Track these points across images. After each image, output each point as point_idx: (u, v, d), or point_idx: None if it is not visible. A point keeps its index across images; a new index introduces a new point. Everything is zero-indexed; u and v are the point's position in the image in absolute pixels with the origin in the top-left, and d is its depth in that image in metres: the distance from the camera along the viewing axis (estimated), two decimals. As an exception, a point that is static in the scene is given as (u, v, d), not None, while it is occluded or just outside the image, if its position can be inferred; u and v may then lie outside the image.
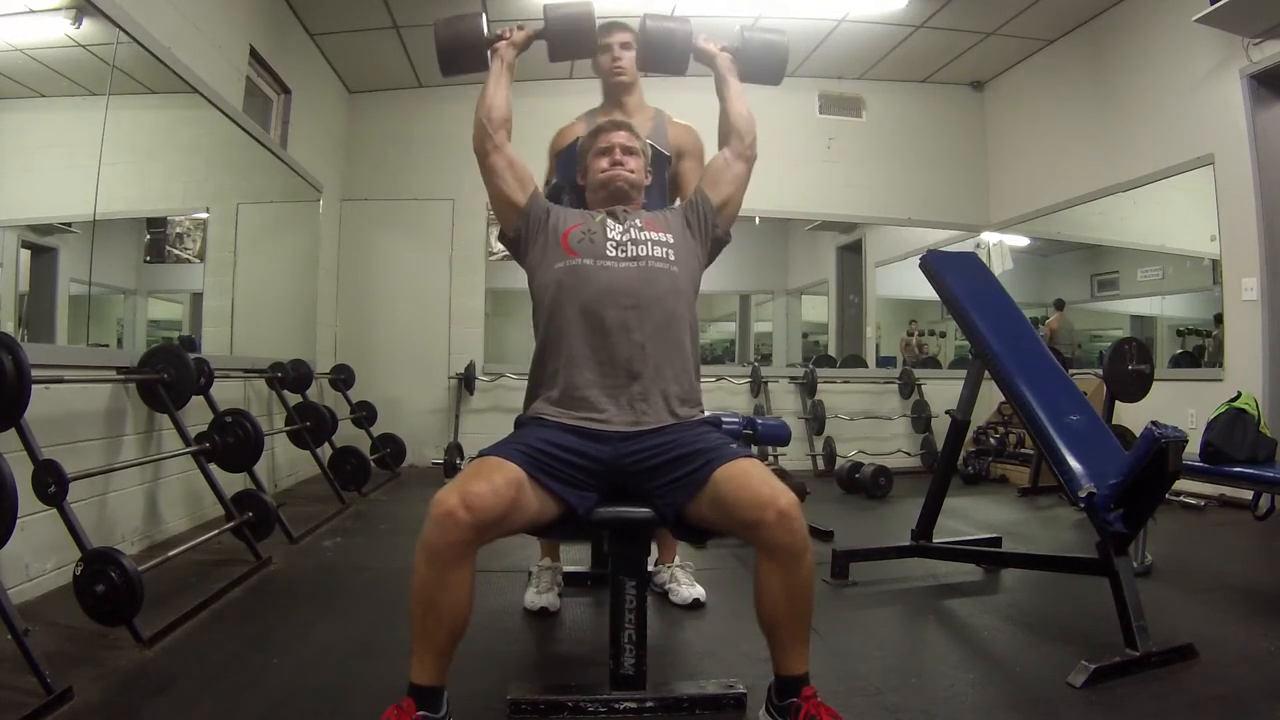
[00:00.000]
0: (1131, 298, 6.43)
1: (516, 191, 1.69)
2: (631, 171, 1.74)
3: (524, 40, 1.77)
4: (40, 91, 2.65)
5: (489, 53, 1.75)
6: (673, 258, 1.64)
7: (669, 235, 1.67)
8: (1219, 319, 4.15)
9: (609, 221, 1.67)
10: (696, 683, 1.57)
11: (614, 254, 1.61)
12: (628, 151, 1.75)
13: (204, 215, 3.66)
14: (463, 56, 1.75)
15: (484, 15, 1.75)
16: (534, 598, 2.12)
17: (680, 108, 2.33)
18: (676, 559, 2.26)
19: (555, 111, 2.55)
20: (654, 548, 2.22)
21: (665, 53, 1.83)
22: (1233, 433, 2.35)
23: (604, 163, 1.75)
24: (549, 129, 2.36)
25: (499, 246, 2.00)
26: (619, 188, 1.73)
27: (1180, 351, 5.61)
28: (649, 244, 1.63)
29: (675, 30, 1.82)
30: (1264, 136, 3.66)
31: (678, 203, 1.91)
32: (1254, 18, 3.48)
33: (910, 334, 6.97)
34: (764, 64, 1.85)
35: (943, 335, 7.14)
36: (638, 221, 1.68)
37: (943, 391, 5.34)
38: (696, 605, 2.13)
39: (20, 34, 2.51)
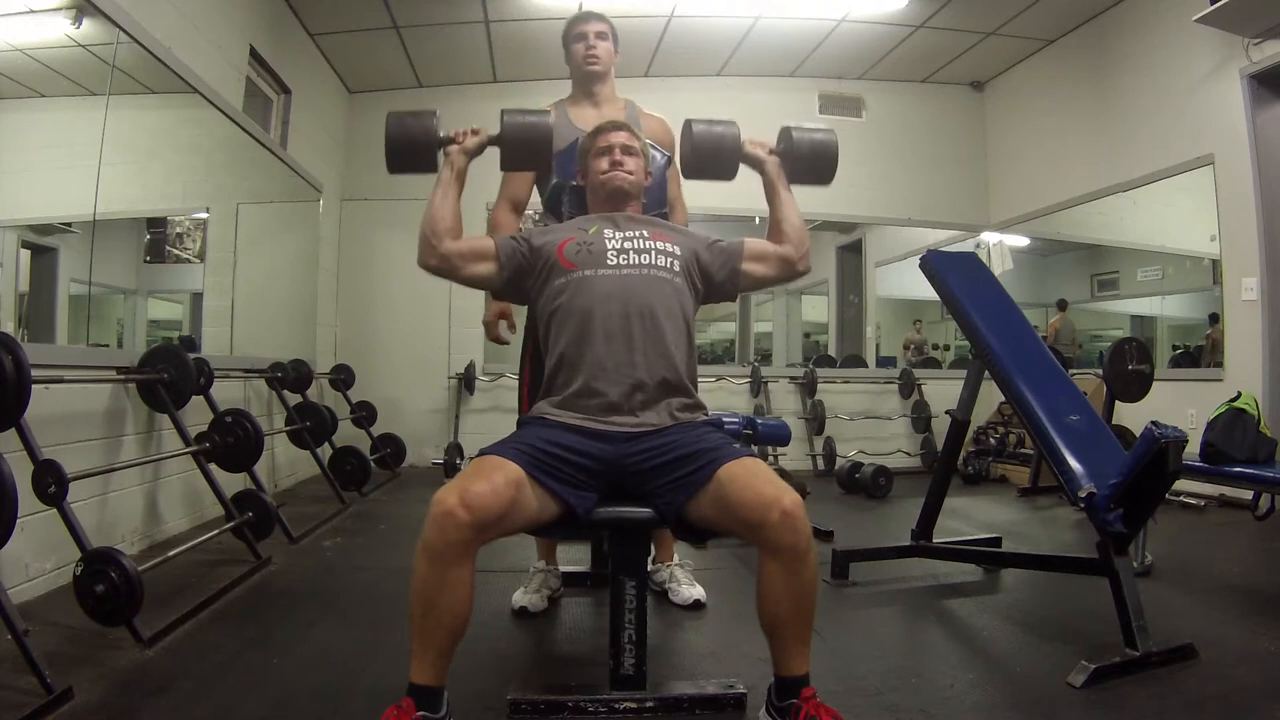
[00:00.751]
0: (1131, 298, 6.44)
1: (484, 266, 1.66)
2: (631, 172, 1.74)
3: (476, 146, 1.69)
4: (40, 91, 2.65)
5: (440, 154, 1.68)
6: (676, 268, 1.64)
7: (675, 247, 1.67)
8: (1214, 318, 4.16)
9: (606, 230, 1.67)
10: (696, 683, 1.56)
11: (615, 261, 1.61)
12: (627, 152, 1.75)
13: (204, 215, 3.67)
14: (412, 156, 1.67)
15: (437, 115, 1.68)
16: (518, 596, 2.12)
17: (651, 108, 2.32)
18: (675, 558, 2.26)
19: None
20: (651, 547, 2.22)
21: (715, 158, 1.75)
22: (1233, 433, 2.35)
23: (603, 163, 1.74)
24: None
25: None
26: (619, 188, 1.73)
27: (1181, 351, 5.62)
28: (653, 252, 1.63)
29: (723, 135, 1.74)
30: (1264, 136, 3.66)
31: (704, 235, 1.88)
32: (1254, 18, 3.48)
33: (908, 345, 6.98)
34: (814, 165, 1.76)
35: (947, 348, 7.14)
36: (645, 231, 1.67)
37: (943, 391, 5.35)
38: (697, 605, 2.12)
39: (20, 34, 2.51)
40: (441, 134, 1.68)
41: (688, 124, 1.78)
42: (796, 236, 1.73)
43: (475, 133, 1.70)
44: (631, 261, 1.61)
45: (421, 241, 1.64)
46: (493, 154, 1.74)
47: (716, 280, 1.71)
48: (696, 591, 2.15)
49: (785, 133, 1.78)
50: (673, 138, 2.19)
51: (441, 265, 1.64)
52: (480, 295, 5.25)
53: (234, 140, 3.52)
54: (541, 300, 1.67)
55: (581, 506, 1.45)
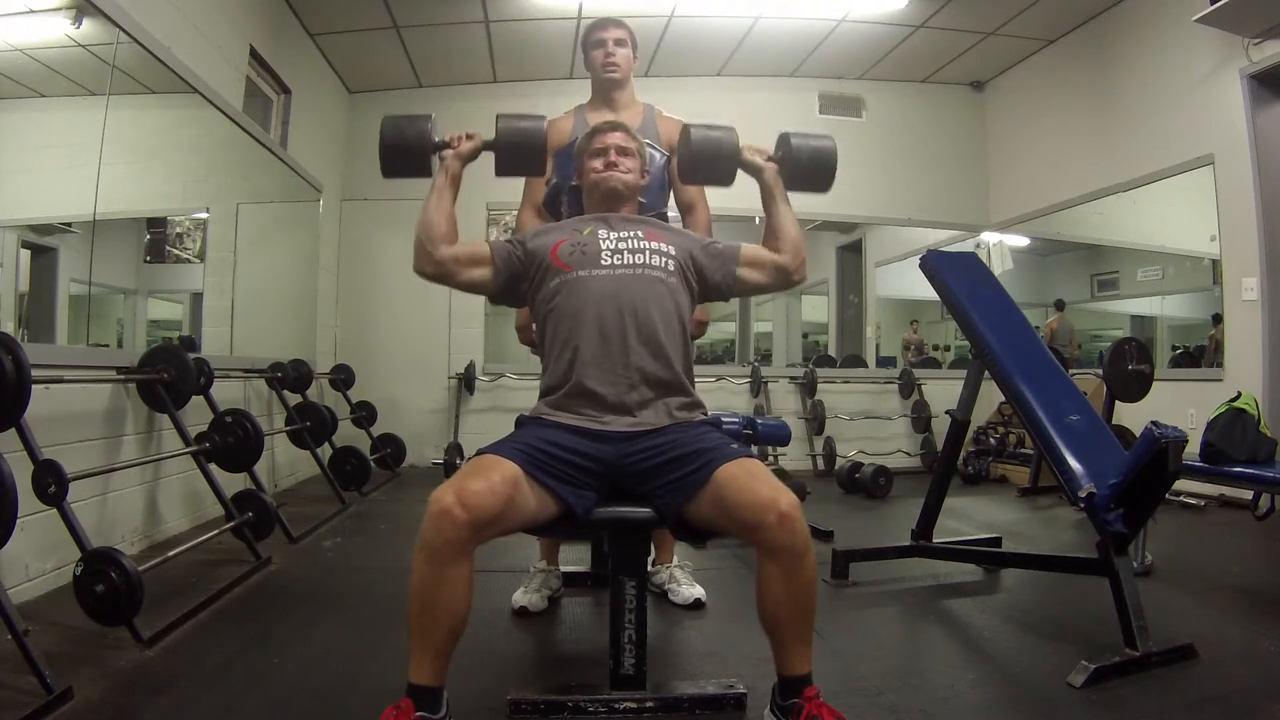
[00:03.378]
0: (1131, 298, 6.44)
1: (479, 271, 1.65)
2: (627, 172, 1.74)
3: (470, 151, 1.69)
4: (40, 91, 2.65)
5: (435, 159, 1.68)
6: (671, 268, 1.64)
7: (670, 247, 1.67)
8: (1217, 318, 4.15)
9: (600, 230, 1.67)
10: (696, 683, 1.56)
11: (609, 261, 1.61)
12: (623, 152, 1.75)
13: (204, 215, 3.66)
14: (406, 160, 1.67)
15: (432, 120, 1.68)
16: (518, 596, 2.12)
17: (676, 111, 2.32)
18: (675, 559, 2.26)
19: (555, 112, 2.54)
20: (651, 548, 2.21)
21: (712, 164, 1.74)
22: (1233, 433, 2.35)
23: (599, 164, 1.74)
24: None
25: None
26: (614, 189, 1.73)
27: (1181, 351, 5.62)
28: (647, 252, 1.63)
29: (722, 140, 1.73)
30: (1264, 136, 3.66)
31: (699, 235, 1.87)
32: (1254, 18, 3.48)
33: (908, 345, 6.98)
34: (812, 172, 1.75)
35: (947, 349, 7.15)
36: (639, 232, 1.67)
37: (943, 391, 5.35)
38: (698, 605, 2.12)
39: (20, 34, 2.51)
40: (436, 139, 1.68)
41: (685, 129, 1.77)
42: (793, 246, 1.71)
43: (470, 138, 1.70)
44: (626, 261, 1.61)
45: (417, 248, 1.63)
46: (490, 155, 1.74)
47: (712, 282, 1.71)
48: (696, 591, 2.15)
49: (784, 139, 1.77)
50: None
51: (438, 272, 1.63)
52: (480, 296, 5.27)
53: (234, 140, 3.52)
54: (537, 301, 1.67)
55: (580, 506, 1.45)
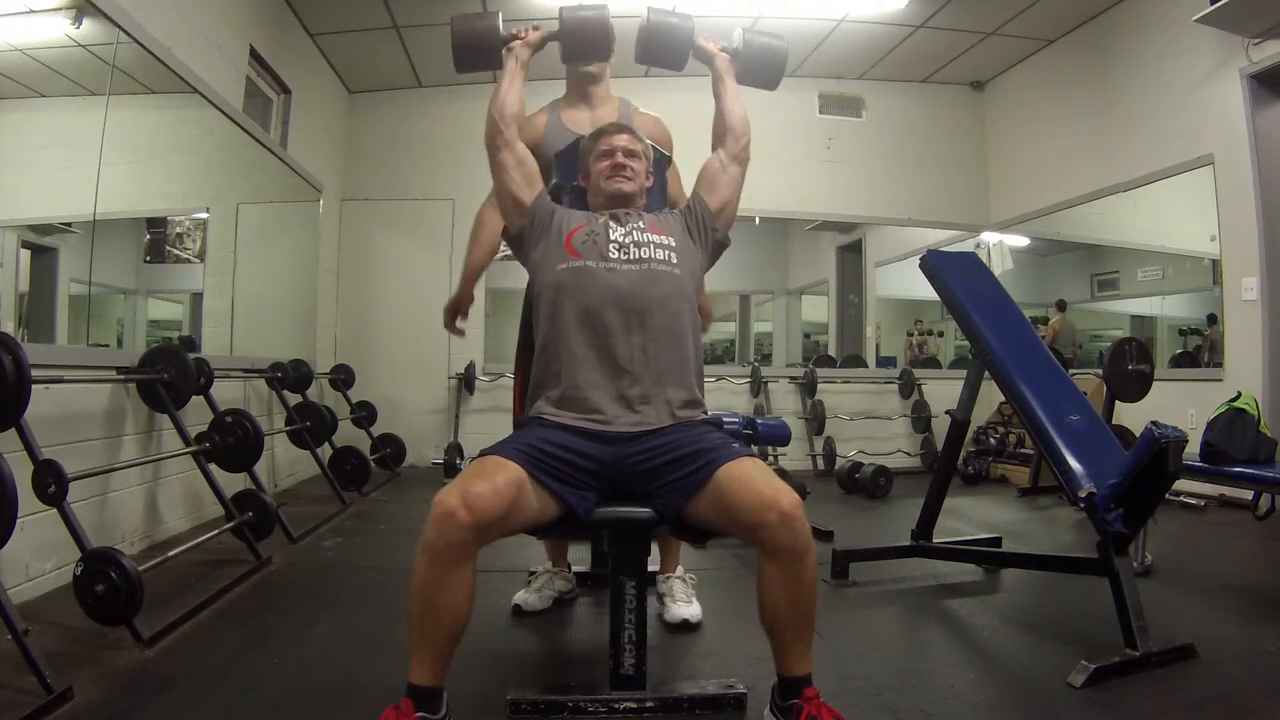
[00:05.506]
0: (1131, 298, 6.44)
1: (523, 189, 1.68)
2: (633, 175, 1.74)
3: (539, 40, 1.79)
4: (40, 91, 2.65)
5: (504, 52, 1.77)
6: (675, 260, 1.64)
7: (671, 239, 1.67)
8: (1213, 318, 4.15)
9: (611, 224, 1.67)
10: (696, 683, 1.56)
11: (616, 256, 1.61)
12: (630, 155, 1.75)
13: (204, 215, 3.66)
14: (478, 54, 1.78)
15: (499, 15, 1.78)
16: (519, 596, 2.11)
17: (650, 108, 2.32)
18: (679, 569, 2.14)
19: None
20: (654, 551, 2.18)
21: (666, 47, 1.84)
22: (1233, 433, 2.35)
23: (606, 166, 1.74)
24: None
25: (500, 246, 2.00)
26: (620, 190, 1.73)
27: (1180, 351, 5.61)
28: (651, 246, 1.63)
29: (677, 26, 1.83)
30: (1264, 136, 3.66)
31: (674, 208, 1.90)
32: (1254, 18, 3.48)
33: (911, 334, 6.98)
34: (763, 67, 1.86)
35: (940, 335, 7.15)
36: (641, 224, 1.67)
37: (943, 391, 5.35)
38: (685, 626, 1.96)
39: (20, 34, 2.51)
40: (503, 33, 1.77)
41: (647, 11, 1.84)
42: (738, 125, 1.78)
43: (536, 28, 1.80)
44: (632, 256, 1.61)
45: (489, 121, 1.69)
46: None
47: (713, 237, 1.75)
48: (687, 611, 2.00)
49: (739, 34, 1.87)
50: (669, 136, 2.20)
51: (503, 155, 1.67)
52: (480, 295, 5.27)
53: (234, 140, 3.52)
54: (540, 277, 1.66)
55: (581, 506, 1.45)
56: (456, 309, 2.27)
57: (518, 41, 1.77)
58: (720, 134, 1.80)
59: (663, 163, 2.12)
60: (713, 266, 1.79)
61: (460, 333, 2.31)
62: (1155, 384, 2.93)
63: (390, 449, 4.68)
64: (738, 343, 7.71)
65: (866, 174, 5.56)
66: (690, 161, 2.32)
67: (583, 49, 1.85)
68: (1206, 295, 4.87)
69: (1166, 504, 3.45)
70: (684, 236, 1.70)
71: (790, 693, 1.33)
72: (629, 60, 2.26)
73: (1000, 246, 5.68)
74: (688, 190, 2.25)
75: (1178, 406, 3.71)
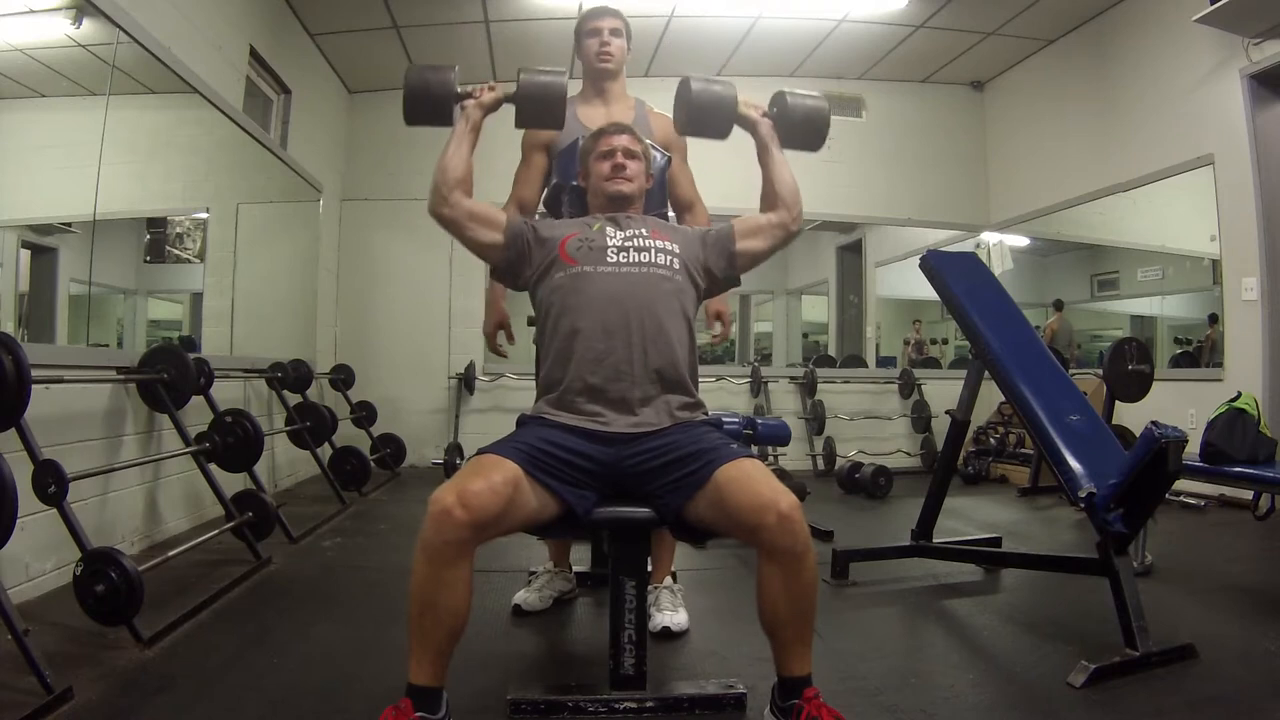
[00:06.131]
0: (1131, 298, 6.44)
1: (488, 231, 1.66)
2: (633, 176, 1.74)
3: (493, 102, 1.71)
4: (40, 91, 2.65)
5: (457, 109, 1.70)
6: (676, 265, 1.64)
7: (675, 246, 1.67)
8: (1214, 319, 4.15)
9: (608, 228, 1.67)
10: (696, 683, 1.56)
11: (615, 259, 1.61)
12: (630, 155, 1.75)
13: (204, 215, 3.66)
14: (429, 108, 1.70)
15: (455, 70, 1.71)
16: (519, 595, 2.11)
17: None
18: (667, 580, 2.06)
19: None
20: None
21: (711, 117, 1.76)
22: (1233, 433, 2.35)
23: (605, 167, 1.74)
24: None
25: None
26: (620, 192, 1.72)
27: (1180, 352, 5.62)
28: (653, 250, 1.63)
29: (721, 95, 1.76)
30: (1264, 136, 3.65)
31: (696, 227, 1.86)
32: (1254, 18, 3.48)
33: (908, 342, 6.99)
34: (807, 130, 1.79)
35: (945, 342, 7.16)
36: (644, 229, 1.67)
37: (943, 391, 5.34)
38: (666, 634, 1.89)
39: (20, 34, 2.51)
40: (459, 89, 1.71)
41: (685, 81, 1.79)
42: (791, 196, 1.73)
43: (492, 89, 1.73)
44: (632, 259, 1.61)
45: (433, 189, 1.64)
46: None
47: (717, 273, 1.72)
48: (667, 619, 1.93)
49: (779, 97, 1.81)
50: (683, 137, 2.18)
51: (451, 215, 1.63)
52: (480, 295, 5.27)
53: (234, 140, 3.52)
54: (541, 292, 1.66)
55: (580, 506, 1.45)
56: (497, 328, 2.24)
57: (471, 101, 1.69)
58: (770, 202, 1.74)
59: (662, 163, 2.12)
60: (708, 297, 1.77)
61: (503, 354, 2.31)
62: (1155, 384, 2.93)
63: (390, 449, 4.68)
64: (738, 343, 7.71)
65: (866, 174, 5.55)
66: (702, 161, 2.33)
67: (536, 114, 1.75)
68: (1206, 295, 4.87)
69: (1166, 504, 3.45)
70: (692, 251, 1.69)
71: (790, 693, 1.33)
72: (629, 60, 2.26)
73: (1000, 246, 5.68)
74: (700, 190, 2.26)
75: (1178, 406, 3.71)
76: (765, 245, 1.73)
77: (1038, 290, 6.88)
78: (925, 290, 2.55)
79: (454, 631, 1.31)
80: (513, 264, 1.68)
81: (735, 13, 4.61)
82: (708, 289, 1.73)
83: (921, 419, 5.33)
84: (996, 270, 5.25)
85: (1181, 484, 3.01)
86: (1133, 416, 3.31)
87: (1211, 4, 3.46)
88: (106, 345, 3.13)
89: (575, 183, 1.95)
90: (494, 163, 2.41)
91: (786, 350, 7.92)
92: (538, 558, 2.32)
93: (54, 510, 1.81)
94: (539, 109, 1.74)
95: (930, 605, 2.26)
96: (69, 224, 2.78)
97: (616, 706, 1.46)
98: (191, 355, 2.68)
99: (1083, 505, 1.84)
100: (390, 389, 5.10)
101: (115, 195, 2.69)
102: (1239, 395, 2.48)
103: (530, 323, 1.76)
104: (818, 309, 7.72)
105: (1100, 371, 3.29)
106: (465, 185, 1.64)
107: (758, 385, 5.30)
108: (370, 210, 5.33)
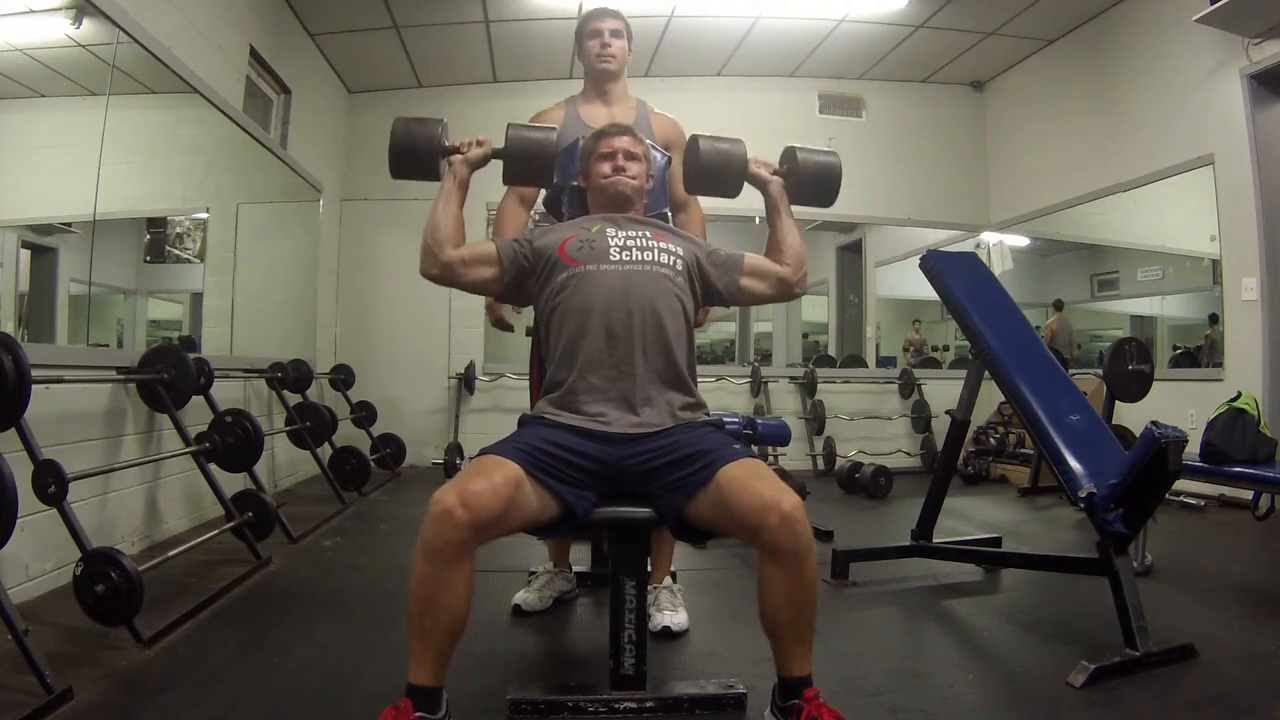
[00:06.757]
0: (1131, 298, 6.44)
1: (485, 271, 1.66)
2: (634, 177, 1.74)
3: (479, 158, 1.69)
4: (40, 91, 2.65)
5: (443, 164, 1.68)
6: (679, 267, 1.64)
7: (678, 248, 1.67)
8: (1214, 318, 4.15)
9: (609, 229, 1.67)
10: (696, 683, 1.56)
11: (617, 258, 1.61)
12: (630, 157, 1.75)
13: (204, 215, 3.66)
14: (415, 162, 1.67)
15: (444, 124, 1.69)
16: (519, 595, 2.11)
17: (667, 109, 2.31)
18: (667, 580, 2.06)
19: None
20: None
21: (721, 176, 1.75)
22: (1233, 433, 2.35)
23: (606, 168, 1.74)
24: None
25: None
26: (621, 193, 1.72)
27: (1180, 352, 5.61)
28: (655, 250, 1.63)
29: (730, 154, 1.74)
30: (1264, 136, 3.66)
31: (705, 243, 1.86)
32: (1254, 18, 3.48)
33: (908, 348, 6.99)
34: (817, 186, 1.77)
35: (946, 349, 7.16)
36: (647, 232, 1.67)
37: (943, 391, 5.35)
38: (666, 633, 1.90)
39: (20, 34, 2.51)
40: (446, 143, 1.68)
41: (694, 140, 1.77)
42: (796, 259, 1.73)
43: (480, 144, 1.70)
44: (634, 258, 1.61)
45: (424, 250, 1.64)
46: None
47: (716, 288, 1.71)
48: (669, 619, 1.93)
49: (789, 153, 1.78)
50: (685, 137, 2.18)
51: (444, 274, 1.65)
52: (480, 296, 5.28)
53: (234, 140, 3.52)
54: (544, 296, 1.66)
55: (581, 506, 1.45)
56: (499, 312, 2.24)
57: (458, 157, 1.67)
58: (776, 260, 1.74)
59: (663, 163, 2.12)
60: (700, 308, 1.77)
61: (509, 327, 2.28)
62: (1155, 384, 2.93)
63: (390, 449, 4.68)
64: (738, 343, 7.70)
65: (866, 174, 5.54)
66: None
67: (524, 172, 1.74)
68: (1206, 295, 4.86)
69: (1166, 504, 3.45)
70: (694, 260, 1.68)
71: (790, 693, 1.33)
72: (630, 62, 2.27)
73: (1000, 246, 5.68)
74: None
75: (1178, 406, 3.71)
76: (766, 290, 1.73)
77: (1038, 290, 6.87)
78: (925, 290, 2.55)
79: (454, 632, 1.31)
80: (516, 284, 1.68)
81: (735, 13, 4.62)
82: (703, 298, 1.73)
83: (921, 419, 5.33)
84: (996, 270, 5.25)
85: (1181, 484, 3.01)
86: (1133, 416, 3.31)
87: (1211, 4, 3.47)
88: (106, 345, 3.13)
89: (575, 183, 1.95)
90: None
91: (786, 350, 7.91)
92: (538, 558, 2.32)
93: (54, 510, 1.81)
94: (526, 167, 1.72)
95: (930, 605, 2.26)
96: (69, 224, 2.78)
97: (616, 706, 1.46)
98: (191, 355, 2.68)
99: (1083, 505, 1.84)
100: (390, 389, 5.10)
101: (115, 195, 2.69)
102: (1239, 395, 2.48)
103: (528, 333, 1.75)
104: (818, 309, 7.71)
105: (1100, 371, 3.29)
106: (456, 243, 1.64)
107: (758, 385, 5.30)
108: (370, 210, 5.32)
